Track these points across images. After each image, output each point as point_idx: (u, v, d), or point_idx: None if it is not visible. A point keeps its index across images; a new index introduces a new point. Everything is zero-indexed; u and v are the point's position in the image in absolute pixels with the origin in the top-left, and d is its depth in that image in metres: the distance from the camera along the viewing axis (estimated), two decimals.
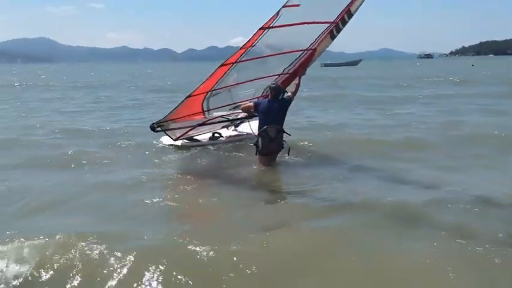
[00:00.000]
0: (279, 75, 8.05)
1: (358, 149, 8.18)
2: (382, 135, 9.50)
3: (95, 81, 38.84)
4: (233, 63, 7.07)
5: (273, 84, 7.28)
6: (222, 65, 6.98)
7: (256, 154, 7.00)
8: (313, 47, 7.61)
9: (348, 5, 6.82)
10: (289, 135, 7.04)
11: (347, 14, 6.94)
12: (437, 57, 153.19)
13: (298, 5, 6.39)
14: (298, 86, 7.47)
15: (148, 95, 22.52)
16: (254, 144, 7.01)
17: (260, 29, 6.58)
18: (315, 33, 7.29)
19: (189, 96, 7.22)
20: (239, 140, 8.86)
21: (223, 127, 9.05)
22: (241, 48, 6.83)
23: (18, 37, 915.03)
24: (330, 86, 26.47)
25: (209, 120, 8.33)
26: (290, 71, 8.05)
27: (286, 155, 7.14)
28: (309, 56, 7.79)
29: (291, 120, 8.87)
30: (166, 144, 8.54)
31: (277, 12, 6.39)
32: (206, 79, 7.08)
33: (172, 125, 7.70)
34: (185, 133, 8.37)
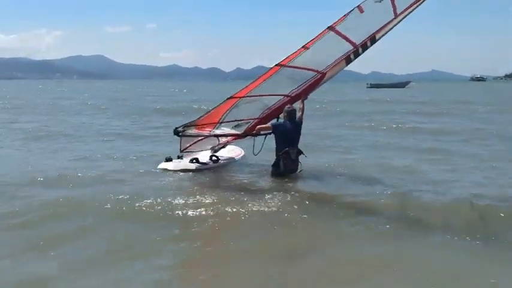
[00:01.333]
0: (283, 96, 7.76)
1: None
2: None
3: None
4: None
5: (289, 107, 7.40)
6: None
7: (273, 175, 7.40)
8: (324, 71, 7.15)
9: (374, 32, 6.48)
10: (305, 156, 7.46)
11: (370, 41, 6.55)
12: (490, 80, 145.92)
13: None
14: (303, 110, 7.51)
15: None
16: (273, 166, 7.42)
17: (276, 65, 6.80)
18: (332, 56, 6.90)
19: (219, 104, 7.38)
20: (223, 165, 8.44)
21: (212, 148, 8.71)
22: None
23: (73, 54, 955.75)
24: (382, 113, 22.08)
25: (209, 135, 8.07)
26: (293, 94, 7.63)
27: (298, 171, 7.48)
28: (316, 80, 7.34)
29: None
30: (161, 169, 8.13)
31: (304, 46, 6.50)
32: (241, 89, 7.16)
33: (191, 132, 7.68)
34: (188, 146, 8.18)
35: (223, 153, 8.81)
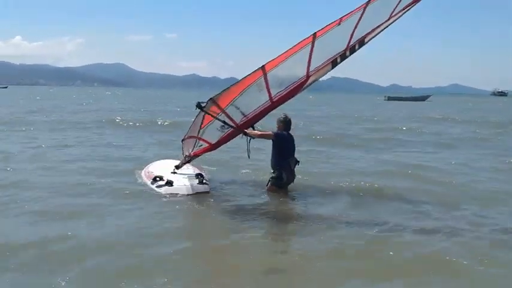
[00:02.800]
0: (266, 101, 6.98)
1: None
2: None
3: None
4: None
5: (283, 116, 7.13)
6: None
7: (269, 185, 7.12)
8: (309, 74, 6.55)
9: (364, 36, 6.22)
10: (298, 164, 7.17)
11: (359, 44, 6.27)
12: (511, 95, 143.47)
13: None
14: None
15: None
16: (274, 177, 7.03)
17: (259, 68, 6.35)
18: (317, 61, 6.45)
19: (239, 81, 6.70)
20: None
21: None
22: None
23: (94, 62, 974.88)
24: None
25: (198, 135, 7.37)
26: (275, 99, 6.85)
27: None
28: (300, 84, 6.71)
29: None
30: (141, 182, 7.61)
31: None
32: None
33: (213, 108, 6.83)
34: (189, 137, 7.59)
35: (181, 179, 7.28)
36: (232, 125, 6.96)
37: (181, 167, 7.70)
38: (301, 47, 6.25)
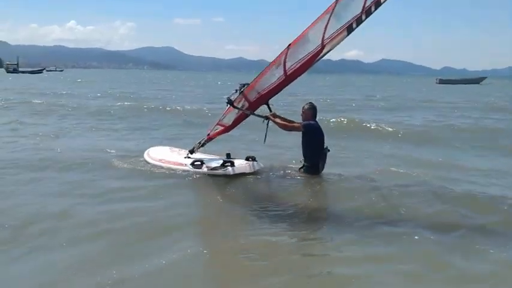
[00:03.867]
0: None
1: None
2: None
3: None
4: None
5: (309, 104, 6.88)
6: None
7: (302, 171, 6.83)
8: (324, 43, 6.02)
9: None
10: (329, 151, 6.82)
11: (375, 5, 5.72)
12: None
13: None
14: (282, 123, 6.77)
15: None
16: (309, 166, 6.75)
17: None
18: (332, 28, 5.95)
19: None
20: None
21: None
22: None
23: (144, 45, 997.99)
24: None
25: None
26: (289, 72, 6.40)
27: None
28: (316, 54, 6.21)
29: None
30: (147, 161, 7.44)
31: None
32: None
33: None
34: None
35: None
36: (247, 112, 6.81)
37: (195, 151, 7.42)
38: (322, 17, 5.81)
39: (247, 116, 6.95)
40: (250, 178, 6.66)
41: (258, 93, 6.71)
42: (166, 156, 7.52)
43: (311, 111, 6.81)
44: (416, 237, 4.48)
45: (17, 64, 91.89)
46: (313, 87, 42.77)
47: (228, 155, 7.05)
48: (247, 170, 6.82)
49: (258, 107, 6.93)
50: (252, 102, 6.78)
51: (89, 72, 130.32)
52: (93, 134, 11.35)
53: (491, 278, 3.73)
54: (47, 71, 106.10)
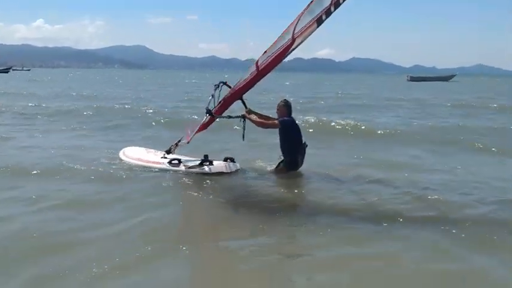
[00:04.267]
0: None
1: None
2: None
3: None
4: None
5: (284, 101, 7.03)
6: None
7: (280, 167, 6.96)
8: (294, 37, 6.02)
9: None
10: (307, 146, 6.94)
11: None
12: None
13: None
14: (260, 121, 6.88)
15: None
16: (288, 162, 6.87)
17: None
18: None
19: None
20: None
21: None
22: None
23: (114, 44, 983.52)
24: None
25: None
26: (261, 67, 6.45)
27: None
28: (286, 48, 6.18)
29: None
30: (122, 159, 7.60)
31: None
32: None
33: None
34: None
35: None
36: (225, 117, 7.04)
37: (172, 152, 7.49)
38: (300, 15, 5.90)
39: (221, 111, 7.07)
40: (228, 179, 6.71)
41: (232, 88, 6.87)
42: (143, 156, 7.61)
43: (286, 108, 6.93)
44: (395, 235, 4.63)
45: None
46: (283, 86, 43.63)
47: (206, 156, 7.04)
48: (225, 170, 6.91)
49: (232, 103, 7.08)
50: (225, 98, 6.91)
51: (57, 71, 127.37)
52: (52, 136, 10.93)
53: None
54: (13, 70, 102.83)
